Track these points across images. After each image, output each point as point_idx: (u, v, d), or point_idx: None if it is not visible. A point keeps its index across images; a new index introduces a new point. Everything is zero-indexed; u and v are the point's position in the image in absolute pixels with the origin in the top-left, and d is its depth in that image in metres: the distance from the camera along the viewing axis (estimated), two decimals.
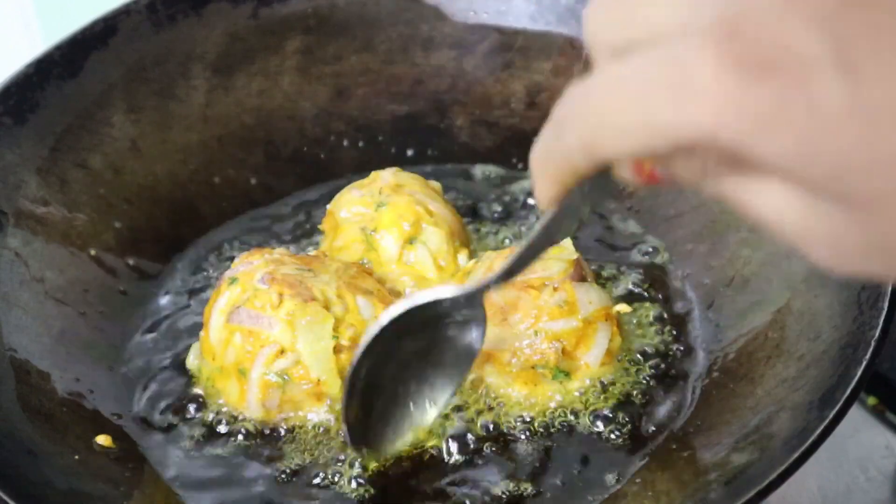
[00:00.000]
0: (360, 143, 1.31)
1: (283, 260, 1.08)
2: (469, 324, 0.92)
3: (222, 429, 1.05)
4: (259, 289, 1.04)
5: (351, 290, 1.06)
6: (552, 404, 1.04)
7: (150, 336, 1.14)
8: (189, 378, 1.09)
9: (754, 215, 0.59)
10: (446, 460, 1.01)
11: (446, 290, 0.89)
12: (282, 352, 1.03)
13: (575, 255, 1.07)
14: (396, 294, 1.12)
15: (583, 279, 1.06)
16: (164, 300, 1.18)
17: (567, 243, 1.09)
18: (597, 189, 0.71)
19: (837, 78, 0.51)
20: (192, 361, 1.10)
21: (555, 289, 1.04)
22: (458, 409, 1.04)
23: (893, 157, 0.51)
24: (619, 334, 1.06)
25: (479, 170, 1.29)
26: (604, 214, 1.22)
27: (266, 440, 1.04)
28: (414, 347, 0.92)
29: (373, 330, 0.89)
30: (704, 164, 0.60)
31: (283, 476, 1.01)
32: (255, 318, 1.03)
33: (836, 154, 0.52)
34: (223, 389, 1.06)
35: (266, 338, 1.03)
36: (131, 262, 1.19)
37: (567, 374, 1.04)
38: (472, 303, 0.90)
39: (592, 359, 1.05)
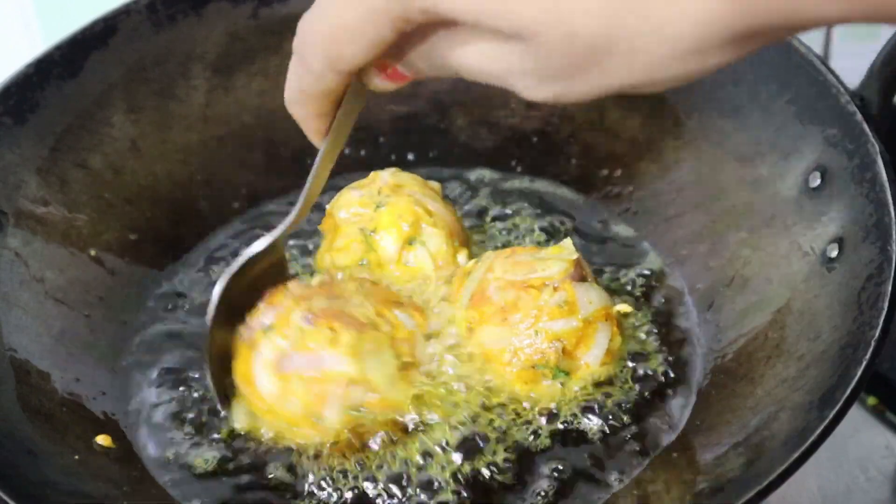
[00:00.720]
0: (360, 144, 1.30)
1: (307, 294, 1.03)
2: (279, 266, 1.05)
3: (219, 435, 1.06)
4: (306, 329, 0.99)
5: (387, 306, 1.05)
6: (552, 404, 1.04)
7: (150, 336, 1.14)
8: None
9: (470, 70, 0.72)
10: (445, 458, 1.01)
11: (251, 249, 1.02)
12: (351, 384, 0.99)
13: (575, 255, 1.07)
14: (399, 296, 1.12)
15: (583, 279, 1.06)
16: (164, 300, 1.17)
17: (567, 243, 1.09)
18: (355, 103, 0.86)
19: None
20: (241, 421, 1.04)
21: (555, 289, 1.04)
22: (455, 401, 1.04)
23: None
24: (619, 334, 1.06)
25: (479, 169, 1.29)
26: (603, 216, 1.22)
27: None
28: (248, 304, 1.03)
29: (210, 308, 1.01)
30: (426, 44, 0.73)
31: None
32: (313, 359, 0.99)
33: None
34: (296, 437, 1.01)
35: (333, 376, 0.98)
36: (131, 262, 1.19)
37: (567, 374, 1.05)
38: (274, 250, 1.03)
39: (593, 358, 1.05)
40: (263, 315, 1.02)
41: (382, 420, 1.01)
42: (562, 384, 1.04)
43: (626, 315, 1.10)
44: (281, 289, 1.04)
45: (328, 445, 1.01)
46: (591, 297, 1.05)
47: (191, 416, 1.07)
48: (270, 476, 1.02)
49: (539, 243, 1.19)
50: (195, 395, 1.08)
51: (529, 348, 1.04)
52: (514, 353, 1.04)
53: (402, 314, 1.05)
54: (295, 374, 0.99)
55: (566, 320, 1.04)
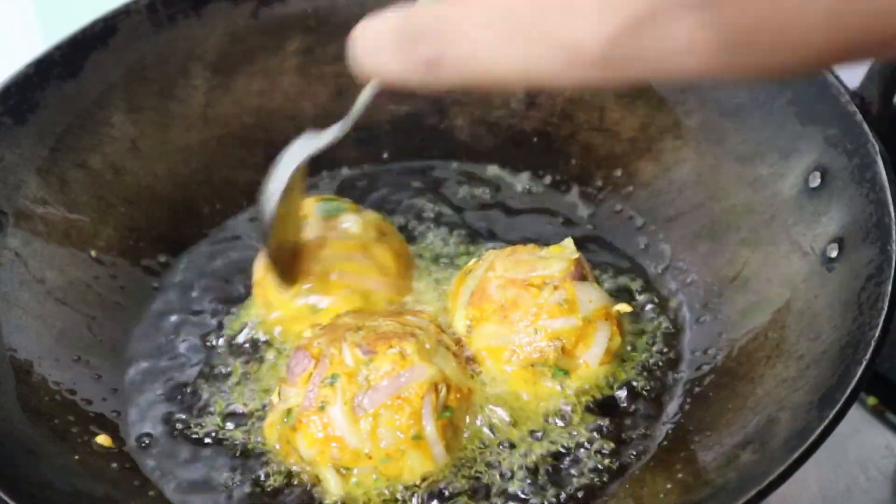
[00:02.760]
0: (360, 143, 1.30)
1: (336, 334, 1.01)
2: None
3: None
4: (366, 360, 0.98)
5: (398, 317, 1.05)
6: (552, 402, 1.04)
7: (150, 336, 1.14)
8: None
9: (674, 67, 0.64)
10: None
11: (311, 144, 1.02)
12: (436, 390, 0.98)
13: (576, 255, 1.07)
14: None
15: (583, 278, 1.06)
16: (164, 300, 1.17)
17: (568, 242, 1.09)
18: None
19: None
20: (336, 490, 0.99)
21: (555, 287, 1.04)
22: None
23: None
24: (619, 334, 1.06)
25: (478, 169, 1.29)
26: (603, 216, 1.22)
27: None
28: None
29: (274, 191, 1.00)
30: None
31: None
32: (393, 383, 0.98)
33: None
34: (402, 470, 0.99)
35: (418, 388, 0.98)
36: (131, 262, 1.19)
37: (566, 373, 1.04)
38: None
39: (592, 358, 1.05)
40: (316, 370, 0.99)
41: (466, 409, 1.01)
42: (561, 385, 1.05)
43: (625, 314, 1.10)
44: (307, 342, 1.01)
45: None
46: (591, 296, 1.05)
47: (191, 415, 1.07)
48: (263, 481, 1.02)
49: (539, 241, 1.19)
50: (196, 394, 1.08)
51: (529, 346, 1.04)
52: (514, 352, 1.04)
53: (414, 318, 1.05)
54: (380, 407, 0.97)
55: (566, 319, 1.04)
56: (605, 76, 0.64)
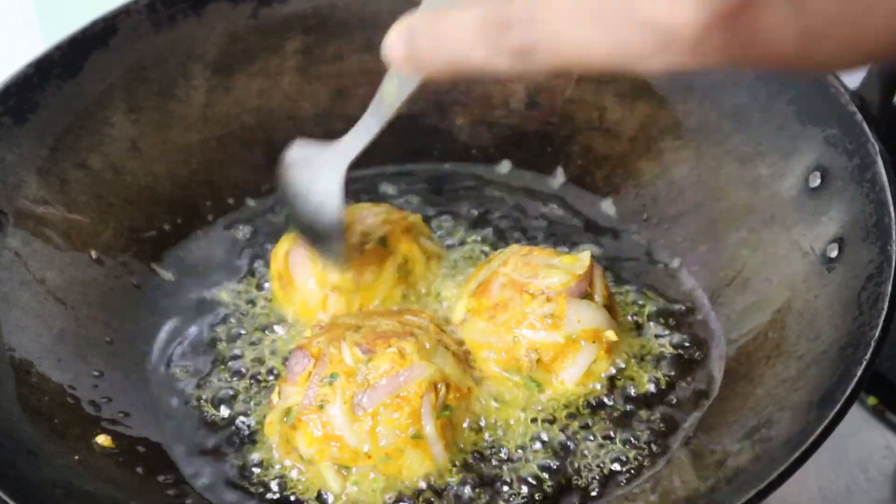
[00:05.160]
0: None
1: (335, 333, 1.01)
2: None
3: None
4: (366, 359, 0.98)
5: (398, 317, 1.05)
6: (551, 399, 1.04)
7: (150, 336, 1.14)
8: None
9: (759, 54, 0.65)
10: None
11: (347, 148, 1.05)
12: (435, 389, 0.98)
13: (581, 271, 1.05)
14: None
15: (586, 296, 1.05)
16: (164, 300, 1.17)
17: (584, 256, 1.07)
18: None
19: None
20: (335, 486, 0.99)
21: (548, 299, 1.03)
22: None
23: None
24: (606, 359, 1.05)
25: (479, 169, 1.29)
26: (603, 216, 1.22)
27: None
28: None
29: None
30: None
31: None
32: (392, 382, 0.97)
33: None
34: (401, 469, 0.99)
35: (417, 387, 0.97)
36: (131, 262, 1.19)
37: (539, 385, 1.04)
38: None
39: (569, 377, 1.04)
40: (315, 369, 0.99)
41: (467, 408, 1.01)
42: (534, 393, 1.04)
43: (626, 313, 1.10)
44: (307, 341, 1.01)
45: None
46: (581, 316, 1.03)
47: (191, 412, 1.07)
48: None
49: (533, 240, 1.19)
50: (196, 394, 1.09)
51: (505, 352, 1.03)
52: (492, 353, 1.04)
53: (414, 318, 1.05)
54: (380, 406, 0.97)
55: (547, 333, 1.03)
56: (694, 61, 0.65)
